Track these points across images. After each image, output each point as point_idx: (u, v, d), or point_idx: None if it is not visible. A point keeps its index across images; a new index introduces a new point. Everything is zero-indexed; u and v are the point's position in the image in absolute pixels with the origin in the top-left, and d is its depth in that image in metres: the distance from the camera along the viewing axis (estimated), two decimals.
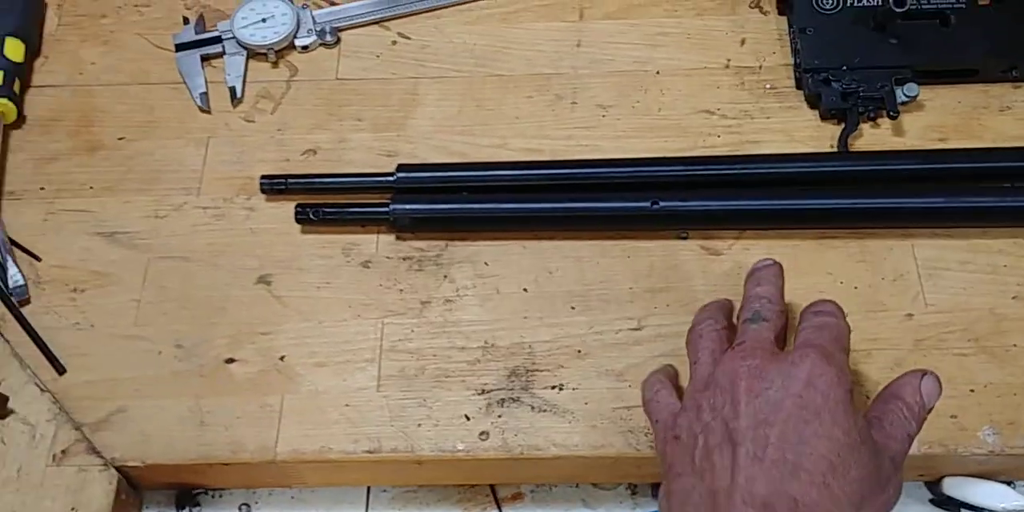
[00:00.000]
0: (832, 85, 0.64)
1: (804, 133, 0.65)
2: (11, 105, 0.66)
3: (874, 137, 0.65)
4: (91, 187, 0.65)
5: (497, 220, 0.61)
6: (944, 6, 0.66)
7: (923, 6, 0.66)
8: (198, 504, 0.59)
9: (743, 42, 0.69)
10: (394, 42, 0.71)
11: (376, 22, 0.72)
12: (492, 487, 0.59)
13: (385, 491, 0.59)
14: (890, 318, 0.58)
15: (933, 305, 0.58)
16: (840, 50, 0.65)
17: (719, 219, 0.61)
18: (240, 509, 0.58)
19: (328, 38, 0.71)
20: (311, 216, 0.61)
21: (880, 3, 0.66)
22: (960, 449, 0.53)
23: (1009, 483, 0.56)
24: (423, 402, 0.56)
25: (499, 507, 0.58)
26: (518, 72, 0.69)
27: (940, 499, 0.56)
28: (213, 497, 0.59)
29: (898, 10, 0.62)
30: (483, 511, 0.58)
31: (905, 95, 0.64)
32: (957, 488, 0.55)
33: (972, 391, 0.55)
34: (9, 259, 0.61)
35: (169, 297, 0.61)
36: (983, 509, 0.55)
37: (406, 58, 0.70)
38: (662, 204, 0.59)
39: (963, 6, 0.66)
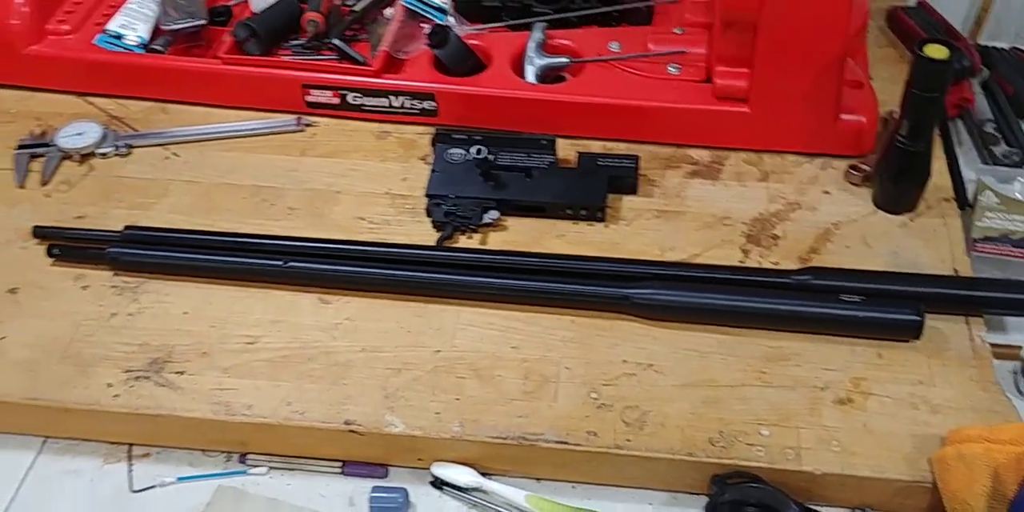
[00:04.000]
0: (441, 207, 0.94)
1: (420, 237, 0.93)
2: None
3: (465, 243, 0.93)
4: None
5: (176, 267, 0.89)
6: (532, 166, 0.96)
7: (517, 164, 0.96)
8: None
9: (405, 179, 0.99)
10: (167, 157, 1.02)
11: (160, 145, 1.03)
12: (130, 446, 0.82)
13: (56, 442, 0.82)
14: (425, 351, 0.83)
15: (456, 347, 0.84)
16: (453, 185, 0.95)
17: (330, 279, 0.88)
18: None
19: (122, 150, 1.02)
20: (55, 252, 0.89)
21: (486, 160, 0.96)
22: (438, 434, 0.77)
23: (484, 472, 0.79)
24: (83, 372, 0.81)
25: (131, 460, 0.81)
26: (243, 183, 0.99)
27: (433, 480, 0.79)
28: None
29: (492, 165, 0.94)
30: (118, 462, 0.81)
31: (488, 218, 0.93)
32: (440, 470, 0.78)
33: (457, 399, 0.80)
34: None
35: None
36: (457, 486, 0.78)
37: (171, 168, 1.01)
38: (291, 264, 0.87)
39: (545, 167, 0.96)
